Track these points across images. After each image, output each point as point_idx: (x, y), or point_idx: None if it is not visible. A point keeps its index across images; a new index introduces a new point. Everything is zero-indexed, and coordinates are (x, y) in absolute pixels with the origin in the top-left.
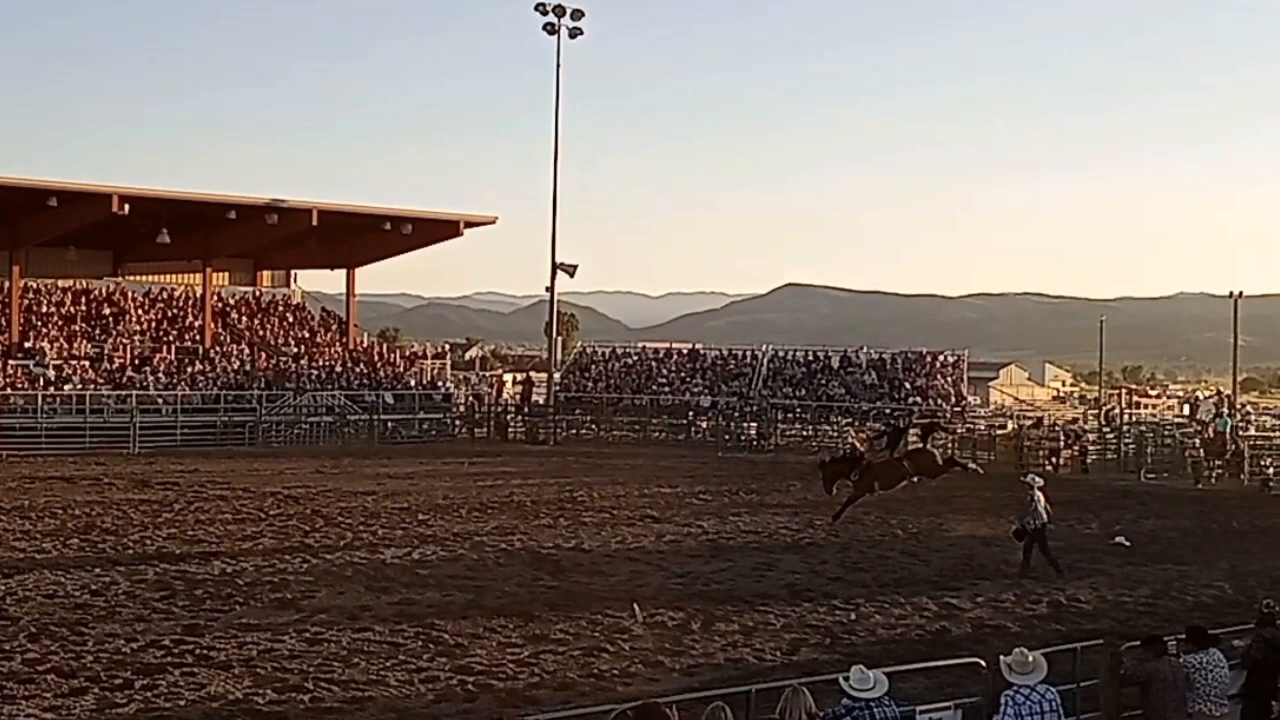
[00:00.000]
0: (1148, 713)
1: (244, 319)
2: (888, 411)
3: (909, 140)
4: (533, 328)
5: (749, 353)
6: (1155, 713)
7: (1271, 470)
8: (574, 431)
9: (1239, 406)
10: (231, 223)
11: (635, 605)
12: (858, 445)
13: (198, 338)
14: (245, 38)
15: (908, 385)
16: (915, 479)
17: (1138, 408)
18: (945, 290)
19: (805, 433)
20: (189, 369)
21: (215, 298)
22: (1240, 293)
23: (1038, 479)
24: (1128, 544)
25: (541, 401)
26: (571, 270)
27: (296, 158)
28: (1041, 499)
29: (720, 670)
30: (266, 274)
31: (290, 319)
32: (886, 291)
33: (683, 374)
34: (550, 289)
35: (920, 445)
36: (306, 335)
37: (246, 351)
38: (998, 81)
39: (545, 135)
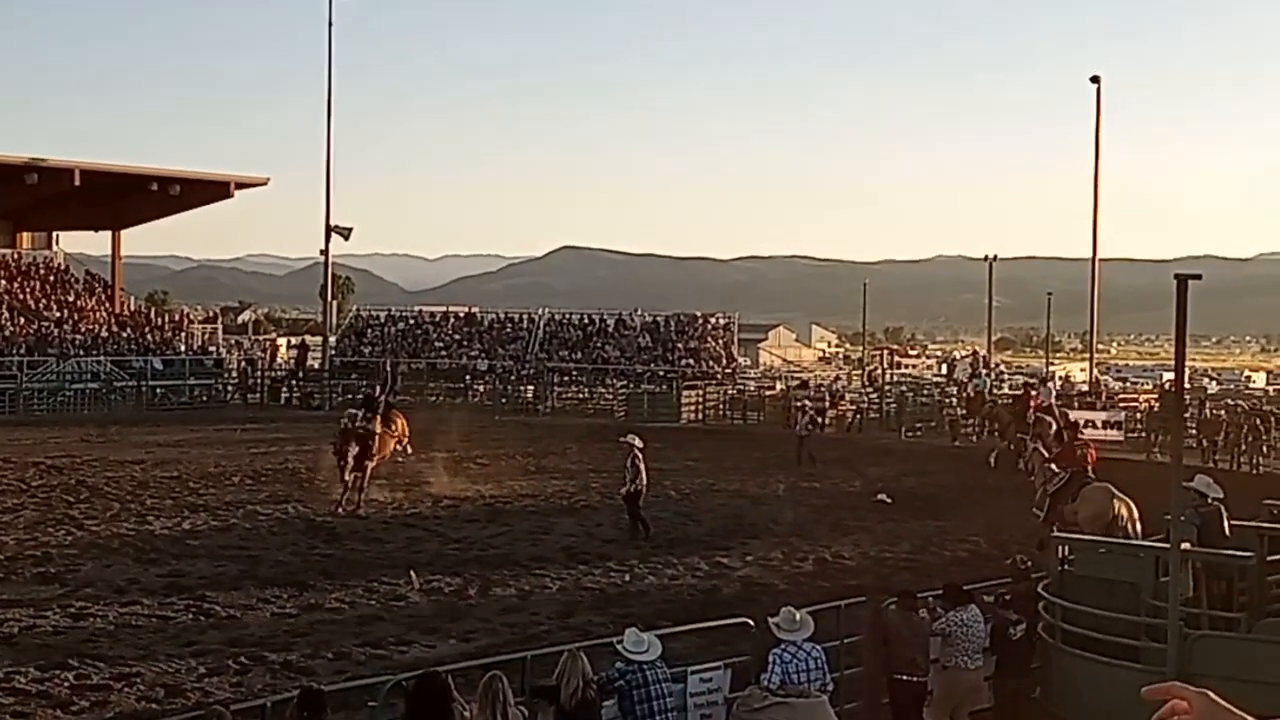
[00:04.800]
0: (888, 665)
1: (2, 283)
2: (661, 373)
3: (678, 101)
4: (307, 291)
5: (525, 316)
6: (893, 665)
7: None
8: (349, 396)
9: (993, 366)
10: None
11: (412, 572)
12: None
13: None
14: None
15: (680, 347)
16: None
17: (899, 368)
18: (717, 253)
19: (581, 395)
20: None
21: None
22: (995, 256)
23: (637, 440)
24: (889, 500)
25: (316, 366)
26: (346, 233)
27: (57, 114)
28: (641, 460)
29: (497, 635)
30: (26, 236)
31: (52, 282)
32: (661, 254)
33: (459, 338)
34: (325, 252)
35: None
36: (70, 299)
37: (6, 316)
38: (765, 41)
39: (319, 95)
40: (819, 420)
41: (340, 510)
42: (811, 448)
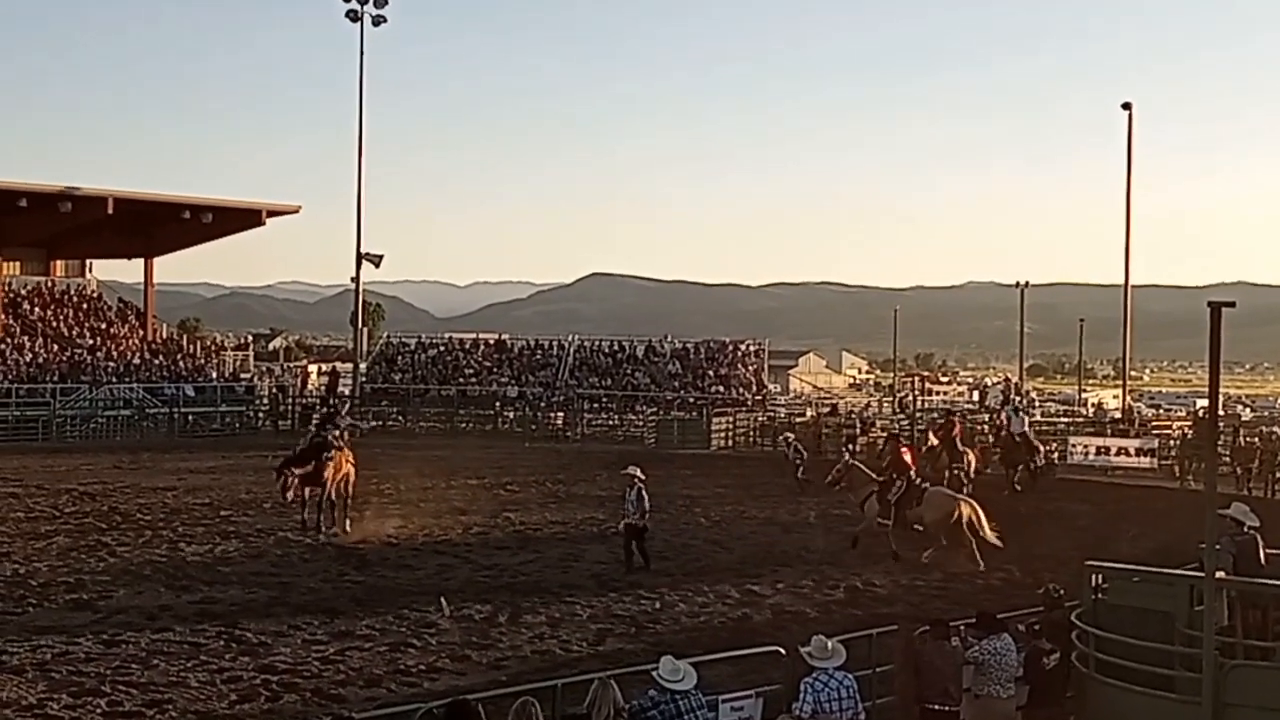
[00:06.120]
0: (920, 694)
1: (36, 310)
2: (691, 400)
3: (707, 127)
4: (338, 317)
5: (555, 343)
6: (925, 694)
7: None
8: (380, 423)
9: (1024, 393)
10: (22, 211)
11: (442, 599)
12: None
13: None
14: (32, 12)
15: (710, 374)
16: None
17: (930, 394)
18: (746, 280)
19: (611, 422)
20: None
21: (6, 288)
22: (1026, 282)
23: (639, 471)
24: (920, 529)
25: (347, 393)
26: (377, 260)
27: (91, 143)
28: (646, 492)
29: (527, 663)
30: (60, 264)
31: (85, 309)
32: (690, 281)
33: (489, 364)
34: (355, 278)
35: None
36: (103, 326)
37: (40, 343)
38: (795, 67)
39: (350, 123)
40: (805, 453)
41: (322, 536)
42: (800, 475)
